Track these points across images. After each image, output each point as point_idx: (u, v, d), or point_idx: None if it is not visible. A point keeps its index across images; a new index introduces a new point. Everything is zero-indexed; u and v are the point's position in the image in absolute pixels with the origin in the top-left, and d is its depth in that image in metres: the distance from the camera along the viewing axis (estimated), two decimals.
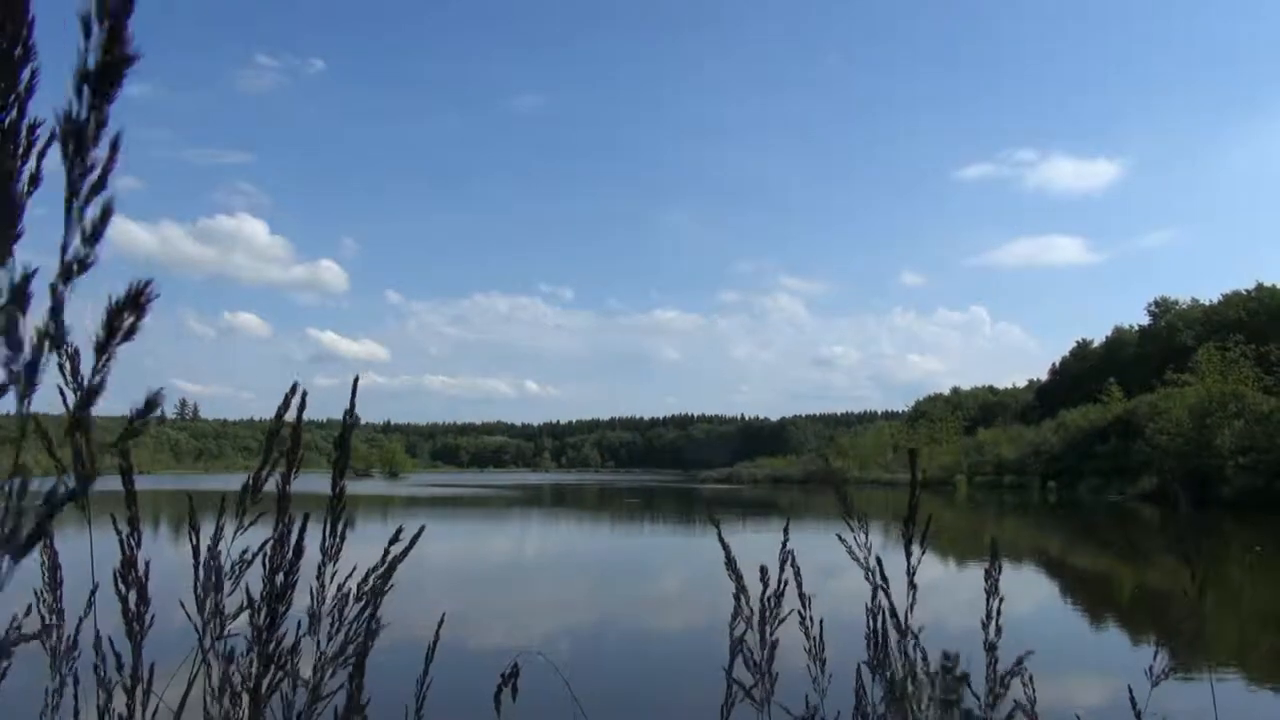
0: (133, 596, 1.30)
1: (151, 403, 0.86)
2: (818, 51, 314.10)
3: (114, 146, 0.73)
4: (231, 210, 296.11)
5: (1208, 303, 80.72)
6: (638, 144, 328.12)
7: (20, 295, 0.71)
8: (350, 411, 1.27)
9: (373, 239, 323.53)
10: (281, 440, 1.34)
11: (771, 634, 1.96)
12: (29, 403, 0.74)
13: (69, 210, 0.72)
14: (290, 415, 1.32)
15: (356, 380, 1.31)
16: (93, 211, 0.73)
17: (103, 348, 0.75)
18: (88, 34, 0.71)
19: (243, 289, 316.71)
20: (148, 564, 1.37)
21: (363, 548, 1.50)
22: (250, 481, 1.22)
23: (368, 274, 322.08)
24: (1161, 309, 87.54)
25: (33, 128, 0.73)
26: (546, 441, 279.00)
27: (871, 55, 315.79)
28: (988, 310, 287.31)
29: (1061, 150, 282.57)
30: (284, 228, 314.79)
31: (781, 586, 1.99)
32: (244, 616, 1.35)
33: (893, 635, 1.93)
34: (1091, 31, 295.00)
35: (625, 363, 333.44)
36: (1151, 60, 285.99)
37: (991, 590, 1.95)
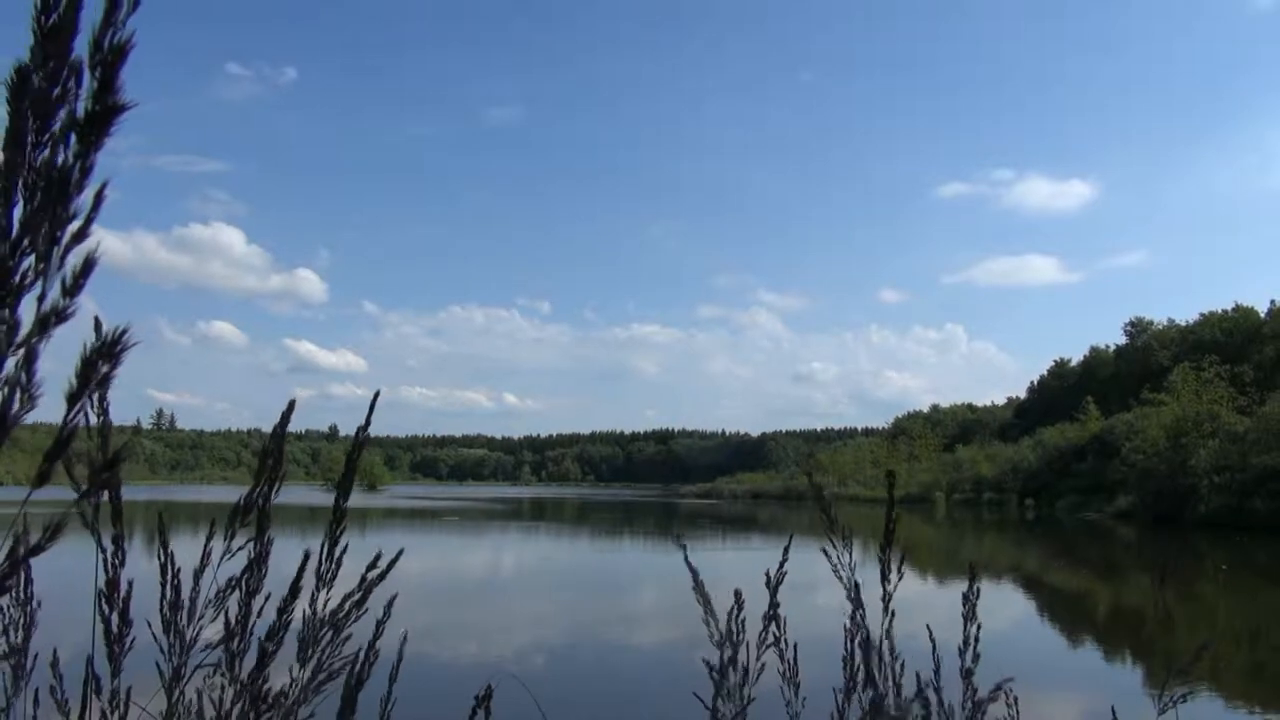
0: (115, 619, 1.28)
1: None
2: (793, 69, 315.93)
3: (99, 197, 0.71)
4: (206, 219, 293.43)
5: (1184, 323, 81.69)
6: (616, 157, 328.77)
7: None
8: (363, 430, 1.24)
9: (349, 249, 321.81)
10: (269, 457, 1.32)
11: (758, 659, 1.93)
12: None
13: (48, 258, 0.69)
14: (282, 434, 1.30)
15: (376, 398, 1.28)
16: (74, 261, 0.70)
17: (75, 398, 0.72)
18: (79, 81, 0.70)
19: (219, 298, 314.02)
20: (130, 584, 1.35)
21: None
22: (241, 503, 1.20)
23: (344, 284, 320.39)
24: (1137, 329, 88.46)
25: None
26: (526, 455, 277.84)
27: (847, 74, 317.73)
28: (964, 328, 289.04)
29: (1037, 170, 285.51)
30: (261, 237, 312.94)
31: (772, 611, 1.96)
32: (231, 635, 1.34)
33: (860, 656, 1.92)
34: (1067, 54, 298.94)
35: (604, 376, 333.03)
36: (1125, 82, 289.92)
37: (969, 615, 1.89)
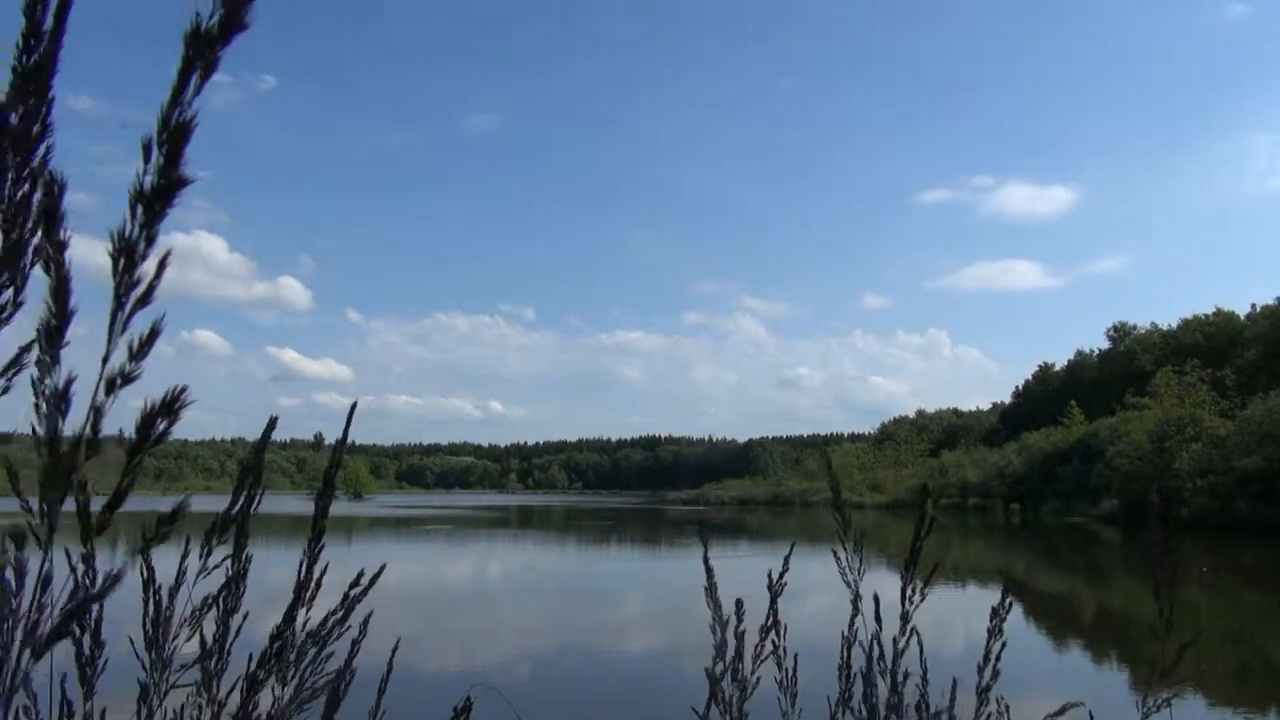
0: (86, 640, 1.25)
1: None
2: (774, 75, 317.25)
3: (162, 264, 0.77)
4: (187, 227, 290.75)
5: (1166, 327, 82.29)
6: (598, 164, 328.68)
7: (61, 401, 0.75)
8: (340, 444, 1.22)
9: (331, 257, 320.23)
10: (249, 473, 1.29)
11: (753, 672, 1.90)
12: (59, 509, 0.78)
13: (113, 321, 0.75)
14: (261, 452, 1.28)
15: (353, 410, 1.26)
16: (141, 325, 0.76)
17: (135, 450, 0.78)
18: (146, 157, 0.77)
19: (201, 307, 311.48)
20: (101, 604, 1.32)
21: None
22: (218, 521, 1.18)
23: (327, 292, 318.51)
24: (1120, 333, 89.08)
25: (51, 208, 0.77)
26: (513, 462, 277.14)
27: (828, 80, 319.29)
28: (947, 333, 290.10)
29: (1018, 176, 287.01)
30: (243, 245, 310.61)
31: (768, 620, 1.93)
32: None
33: (863, 667, 1.89)
34: (1046, 59, 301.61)
35: (590, 383, 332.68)
36: (1105, 88, 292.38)
37: (995, 631, 1.81)
